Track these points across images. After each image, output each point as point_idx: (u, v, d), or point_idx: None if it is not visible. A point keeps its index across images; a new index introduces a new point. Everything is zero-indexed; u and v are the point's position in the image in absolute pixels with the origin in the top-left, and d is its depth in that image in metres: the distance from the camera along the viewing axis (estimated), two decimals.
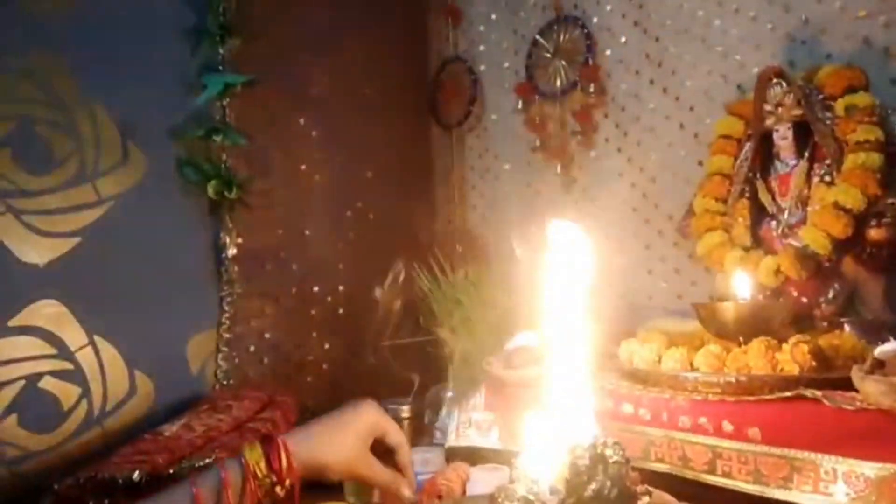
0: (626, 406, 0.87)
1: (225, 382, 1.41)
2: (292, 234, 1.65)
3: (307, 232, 1.68)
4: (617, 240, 1.52)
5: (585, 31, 1.62)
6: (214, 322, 1.44)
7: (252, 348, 1.52)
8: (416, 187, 1.95)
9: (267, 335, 1.55)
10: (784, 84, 1.14)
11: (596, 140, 1.62)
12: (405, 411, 1.20)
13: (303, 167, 1.69)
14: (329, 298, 1.68)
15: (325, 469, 0.75)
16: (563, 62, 1.67)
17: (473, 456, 1.02)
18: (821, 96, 1.13)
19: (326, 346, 1.65)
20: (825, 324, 1.01)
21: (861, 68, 1.13)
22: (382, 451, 0.82)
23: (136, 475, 0.89)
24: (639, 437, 0.85)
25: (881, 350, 0.69)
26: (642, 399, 0.85)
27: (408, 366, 1.51)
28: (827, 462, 0.69)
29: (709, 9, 1.40)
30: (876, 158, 1.03)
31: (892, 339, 0.92)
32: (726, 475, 0.76)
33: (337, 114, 1.73)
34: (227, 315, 1.47)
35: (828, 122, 1.11)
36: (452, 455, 1.04)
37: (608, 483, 0.64)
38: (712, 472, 0.78)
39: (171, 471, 0.93)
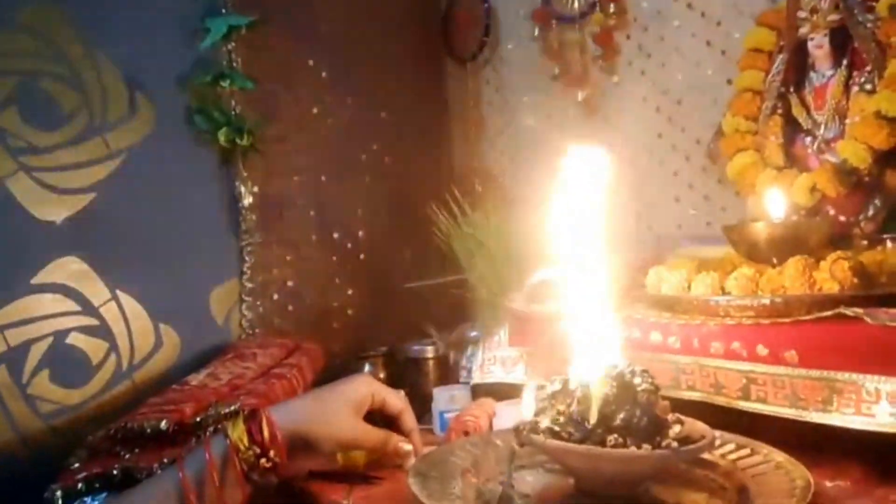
0: (654, 335, 0.83)
1: (250, 332, 1.41)
2: (308, 180, 1.62)
3: (323, 178, 1.65)
4: (643, 168, 1.46)
5: None
6: (236, 272, 1.44)
7: (275, 297, 1.52)
8: (432, 126, 1.90)
9: (289, 283, 1.55)
10: None
11: (618, 64, 1.55)
12: (430, 352, 1.19)
13: (314, 111, 1.65)
14: (349, 244, 1.67)
15: (313, 441, 0.74)
16: None
17: (499, 392, 1.01)
18: (859, 3, 1.05)
19: (350, 292, 1.64)
20: (866, 242, 0.96)
21: None
22: (386, 421, 0.81)
23: (163, 424, 0.89)
24: (668, 366, 0.82)
25: None
26: (671, 327, 0.82)
27: (432, 307, 1.50)
28: (870, 382, 0.66)
29: None
30: None
31: None
32: (761, 400, 0.74)
33: (346, 53, 1.68)
34: (247, 265, 1.46)
35: (869, 24, 1.03)
36: (478, 392, 1.03)
37: (637, 411, 0.62)
38: (746, 398, 0.75)
39: (199, 419, 0.93)
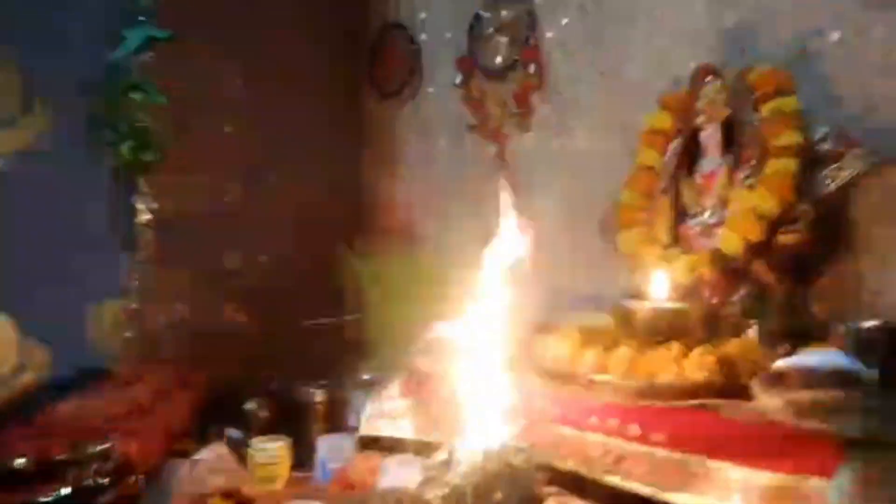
0: (536, 401, 0.87)
1: (129, 355, 1.34)
2: (212, 200, 1.58)
3: (228, 199, 1.62)
4: (545, 228, 1.52)
5: (528, 8, 1.59)
6: (121, 291, 1.37)
7: (162, 320, 1.46)
8: (346, 157, 1.90)
9: (179, 306, 1.49)
10: (717, 82, 1.15)
11: (532, 123, 1.61)
12: (318, 396, 1.18)
13: (226, 130, 1.62)
14: (248, 270, 1.63)
15: None
16: (505, 39, 1.64)
17: (386, 445, 1.01)
18: (750, 97, 1.14)
19: (242, 317, 1.60)
20: (733, 324, 1.04)
21: (790, 73, 1.14)
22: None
23: (21, 462, 0.83)
24: (549, 434, 0.85)
25: (780, 364, 0.71)
26: (555, 397, 0.85)
27: (328, 346, 1.49)
28: (724, 471, 0.71)
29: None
30: (794, 164, 1.05)
31: (791, 347, 0.96)
32: (628, 476, 0.78)
33: (266, 75, 1.66)
34: (135, 284, 1.40)
35: (755, 122, 1.13)
36: (364, 444, 1.03)
37: (514, 493, 0.64)
38: (614, 472, 0.79)
39: (65, 457, 0.88)
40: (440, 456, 0.72)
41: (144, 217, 1.40)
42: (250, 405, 1.25)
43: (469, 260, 1.58)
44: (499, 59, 1.65)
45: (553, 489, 0.69)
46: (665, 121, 1.24)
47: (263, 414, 1.24)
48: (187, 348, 1.45)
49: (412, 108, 1.86)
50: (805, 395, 0.66)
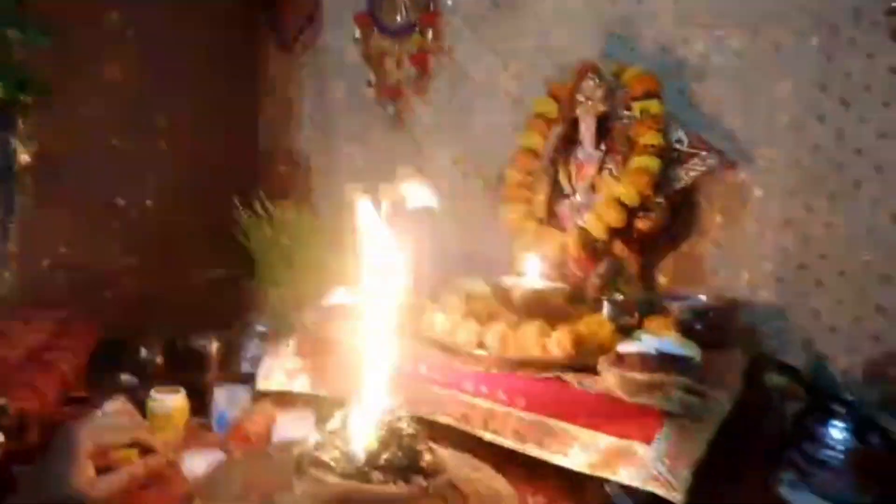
0: (422, 367, 0.99)
1: (14, 300, 1.32)
2: (97, 142, 1.54)
3: (114, 141, 1.58)
4: (437, 189, 1.61)
5: None
6: (1, 235, 1.33)
7: (45, 263, 1.43)
8: (242, 101, 1.88)
9: (63, 249, 1.47)
10: (597, 80, 1.28)
11: (429, 87, 1.67)
12: (213, 346, 1.23)
13: (113, 70, 1.56)
14: (135, 213, 1.62)
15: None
16: (407, 1, 1.67)
17: (280, 397, 1.10)
18: (623, 96, 1.28)
19: (130, 261, 1.60)
20: (593, 298, 1.20)
21: (658, 76, 1.29)
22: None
23: None
24: (430, 394, 0.98)
25: (621, 347, 0.87)
26: (436, 363, 0.98)
27: (220, 296, 1.53)
28: (571, 431, 0.87)
29: None
30: (655, 163, 1.20)
31: (639, 317, 1.14)
32: (496, 433, 0.92)
33: (157, 16, 1.60)
34: (14, 226, 1.36)
35: (625, 121, 1.27)
36: (259, 395, 1.11)
37: (399, 454, 0.76)
38: (485, 428, 0.93)
39: None
40: (333, 423, 0.81)
41: (23, 158, 1.34)
42: (144, 353, 1.28)
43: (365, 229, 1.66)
44: (398, 19, 1.68)
45: (432, 444, 0.82)
46: (550, 107, 1.36)
47: (157, 361, 1.29)
48: (73, 293, 1.44)
49: (311, 57, 1.86)
50: (637, 376, 0.82)
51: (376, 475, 0.74)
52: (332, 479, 0.74)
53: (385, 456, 0.76)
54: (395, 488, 0.74)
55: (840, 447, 1.00)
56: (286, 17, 1.84)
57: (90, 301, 1.46)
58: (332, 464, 0.75)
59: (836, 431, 1.01)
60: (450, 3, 1.62)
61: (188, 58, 1.67)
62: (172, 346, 1.30)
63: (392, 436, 0.77)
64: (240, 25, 1.83)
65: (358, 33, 1.73)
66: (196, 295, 1.54)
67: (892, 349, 1.17)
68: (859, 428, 1.00)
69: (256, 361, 1.31)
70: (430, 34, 1.63)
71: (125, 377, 1.23)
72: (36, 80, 1.30)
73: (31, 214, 1.38)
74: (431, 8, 1.62)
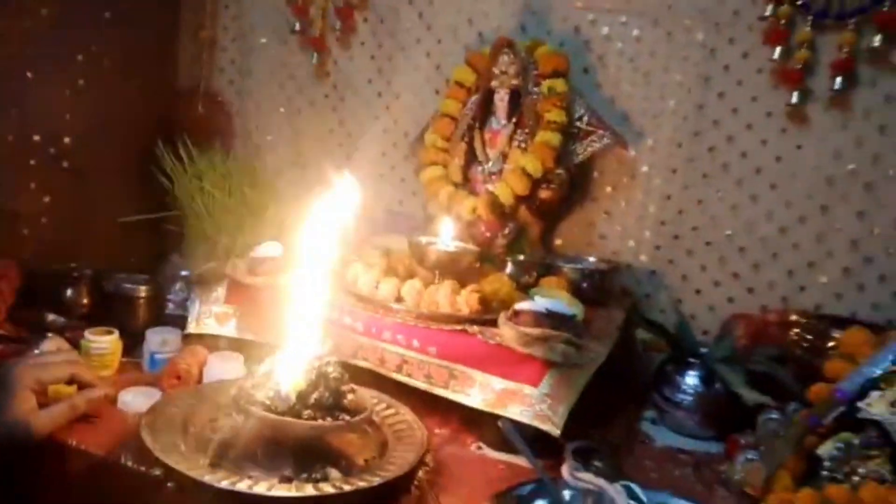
0: (346, 318, 1.11)
1: None
2: (11, 74, 1.50)
3: (29, 74, 1.54)
4: (353, 145, 1.70)
5: None
6: None
7: None
8: (161, 37, 1.85)
9: None
10: (511, 56, 1.39)
11: (353, 42, 1.72)
12: (142, 291, 1.29)
13: (33, 3, 1.51)
14: (52, 149, 1.60)
15: (8, 442, 0.84)
16: None
17: (208, 340, 1.19)
18: (534, 72, 1.40)
19: (46, 199, 1.59)
20: (499, 257, 1.35)
21: (566, 54, 1.41)
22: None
23: None
24: (352, 341, 1.11)
25: (518, 306, 1.02)
26: (359, 315, 1.10)
27: (142, 237, 1.56)
28: (473, 375, 1.02)
29: None
30: (557, 139, 1.35)
31: (536, 276, 1.30)
32: (409, 376, 1.07)
33: None
34: None
35: (534, 97, 1.40)
36: (190, 339, 1.19)
37: (326, 393, 0.89)
38: (399, 372, 1.08)
39: None
40: (265, 366, 0.93)
41: None
42: (70, 293, 1.32)
43: (285, 166, 1.73)
44: None
45: (354, 386, 0.95)
46: (468, 77, 1.46)
47: (83, 302, 1.33)
48: None
49: (234, 1, 1.85)
50: (529, 330, 0.98)
51: (307, 412, 0.87)
52: (267, 414, 0.86)
53: (314, 396, 0.89)
54: (323, 424, 0.87)
55: (691, 392, 1.21)
56: None
57: (6, 239, 1.46)
58: (267, 402, 0.87)
59: (690, 379, 1.21)
60: None
61: None
62: (99, 288, 1.34)
63: (320, 378, 0.90)
64: None
65: None
66: (116, 236, 1.57)
67: (742, 311, 1.39)
68: (707, 377, 1.21)
69: (180, 304, 1.38)
70: None
71: (52, 317, 1.27)
72: None
73: None
74: None
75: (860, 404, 0.96)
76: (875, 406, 0.95)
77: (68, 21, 1.56)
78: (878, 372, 0.97)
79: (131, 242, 1.55)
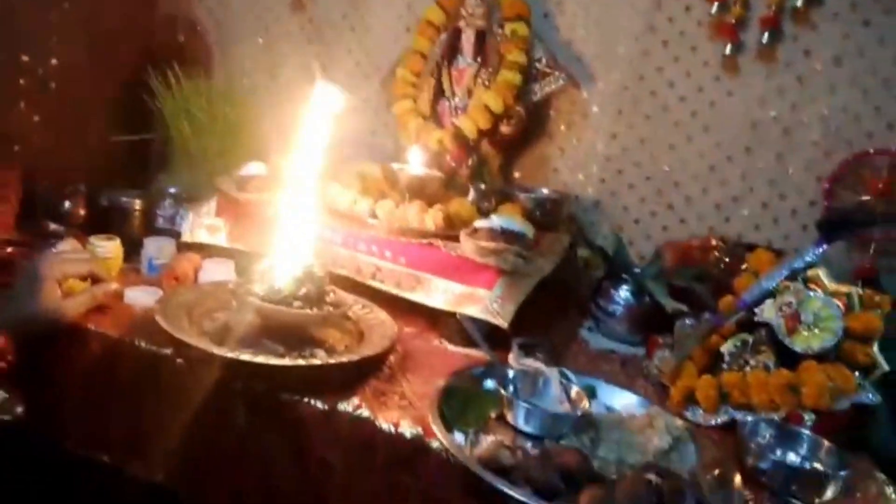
0: (326, 231, 1.26)
1: None
2: None
3: None
4: (328, 77, 1.80)
5: None
6: None
7: None
8: None
9: None
10: None
11: None
12: (137, 204, 1.41)
13: None
14: (40, 70, 1.67)
15: (33, 322, 0.99)
16: None
17: (200, 248, 1.33)
18: (499, 16, 1.53)
19: (36, 118, 1.68)
20: (463, 184, 1.51)
21: (528, 3, 1.54)
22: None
23: None
24: (332, 252, 1.26)
25: (477, 224, 1.19)
26: (337, 229, 1.26)
27: (130, 156, 1.67)
28: (437, 281, 1.19)
29: None
30: (518, 78, 1.49)
31: (495, 202, 1.47)
32: (382, 282, 1.23)
33: None
34: None
35: (498, 38, 1.53)
36: (182, 247, 1.33)
37: (312, 289, 1.05)
38: (374, 279, 1.24)
39: None
40: (260, 266, 1.08)
41: None
42: (68, 205, 1.44)
43: (262, 91, 1.83)
44: None
45: (334, 287, 1.11)
46: (438, 16, 1.58)
47: (80, 213, 1.45)
48: None
49: None
50: (485, 244, 1.15)
51: (296, 303, 1.03)
52: (263, 303, 1.02)
53: (302, 290, 1.05)
54: (310, 312, 1.04)
55: (623, 303, 1.40)
56: None
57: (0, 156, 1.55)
58: (262, 294, 1.03)
59: (623, 293, 1.41)
60: None
61: None
62: (94, 201, 1.45)
63: (307, 277, 1.06)
64: None
65: None
66: (103, 155, 1.67)
67: (672, 238, 1.59)
68: (637, 291, 1.41)
69: (169, 219, 1.51)
70: None
71: (53, 226, 1.39)
72: None
73: None
74: None
75: (756, 310, 1.17)
76: (767, 312, 1.16)
77: None
78: (773, 285, 1.17)
79: (118, 161, 1.65)
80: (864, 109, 1.44)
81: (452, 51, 1.58)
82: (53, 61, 1.69)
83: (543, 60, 1.54)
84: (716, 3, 1.48)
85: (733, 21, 1.48)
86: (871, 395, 1.07)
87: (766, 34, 1.46)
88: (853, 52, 1.43)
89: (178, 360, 1.00)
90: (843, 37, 1.43)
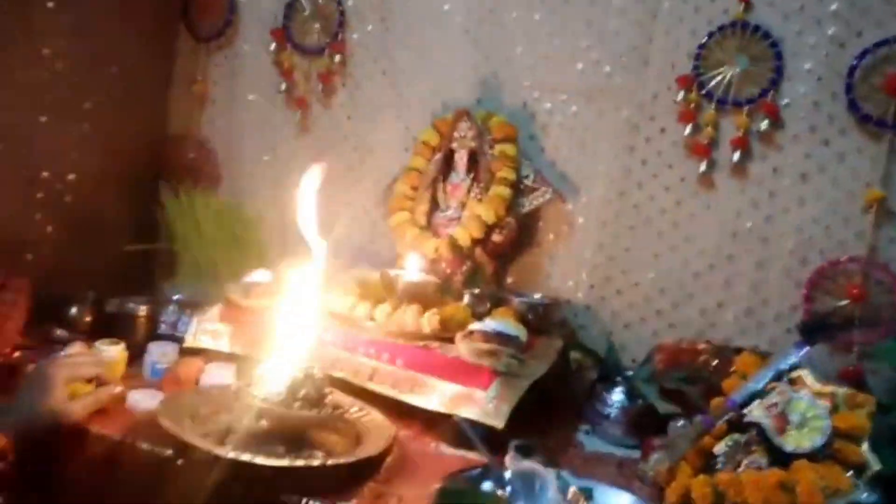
0: (326, 334, 1.31)
1: None
2: (26, 117, 1.68)
3: (42, 118, 1.72)
4: (333, 189, 1.91)
5: (340, 8, 1.91)
6: None
7: None
8: (157, 90, 2.06)
9: None
10: (469, 123, 1.65)
11: (333, 102, 1.96)
12: (142, 311, 1.46)
13: (45, 51, 1.71)
14: (58, 185, 1.77)
15: (36, 424, 1.01)
16: (318, 26, 1.94)
17: (204, 354, 1.36)
18: (489, 137, 1.66)
19: (49, 228, 1.75)
20: (457, 290, 1.57)
21: (515, 125, 1.68)
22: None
23: None
24: (331, 355, 1.30)
25: (472, 327, 1.24)
26: (338, 332, 1.30)
27: (137, 264, 1.74)
28: (434, 383, 1.23)
29: (430, 35, 1.83)
30: (508, 193, 1.60)
31: (490, 307, 1.52)
32: (379, 384, 1.26)
33: (87, 2, 1.76)
34: None
35: (488, 157, 1.65)
36: (185, 352, 1.37)
37: (311, 392, 1.08)
38: (371, 381, 1.27)
39: None
40: (261, 369, 1.12)
41: None
42: (75, 311, 1.48)
43: (265, 210, 1.92)
44: (310, 42, 1.95)
45: (332, 389, 1.14)
46: (433, 138, 1.71)
47: (86, 319, 1.49)
48: None
49: (224, 57, 2.07)
50: (480, 346, 1.19)
51: (296, 405, 1.06)
52: (264, 405, 1.05)
53: (302, 392, 1.07)
54: (310, 414, 1.06)
55: (618, 406, 1.43)
56: (203, 17, 2.04)
57: (12, 264, 1.61)
58: (264, 396, 1.06)
59: (616, 395, 1.43)
60: (355, 36, 1.92)
61: (113, 47, 1.84)
62: (100, 308, 1.50)
63: (306, 379, 1.09)
64: (160, 20, 2.01)
65: (273, 46, 1.98)
66: (111, 263, 1.74)
67: (661, 343, 1.63)
68: (631, 393, 1.44)
69: (172, 325, 1.55)
70: (337, 59, 1.92)
71: (59, 332, 1.43)
72: None
73: None
74: (339, 38, 1.91)
75: (745, 410, 1.20)
76: (755, 411, 1.19)
77: (80, 74, 1.77)
78: (760, 386, 1.21)
79: (124, 269, 1.72)
80: (833, 220, 1.54)
81: (447, 168, 1.70)
82: (71, 177, 1.79)
83: (531, 177, 1.65)
84: (689, 126, 1.61)
85: (706, 142, 1.61)
86: (866, 496, 1.08)
87: (737, 153, 1.58)
88: (816, 169, 1.54)
89: (179, 462, 1.01)
90: (806, 156, 1.55)
